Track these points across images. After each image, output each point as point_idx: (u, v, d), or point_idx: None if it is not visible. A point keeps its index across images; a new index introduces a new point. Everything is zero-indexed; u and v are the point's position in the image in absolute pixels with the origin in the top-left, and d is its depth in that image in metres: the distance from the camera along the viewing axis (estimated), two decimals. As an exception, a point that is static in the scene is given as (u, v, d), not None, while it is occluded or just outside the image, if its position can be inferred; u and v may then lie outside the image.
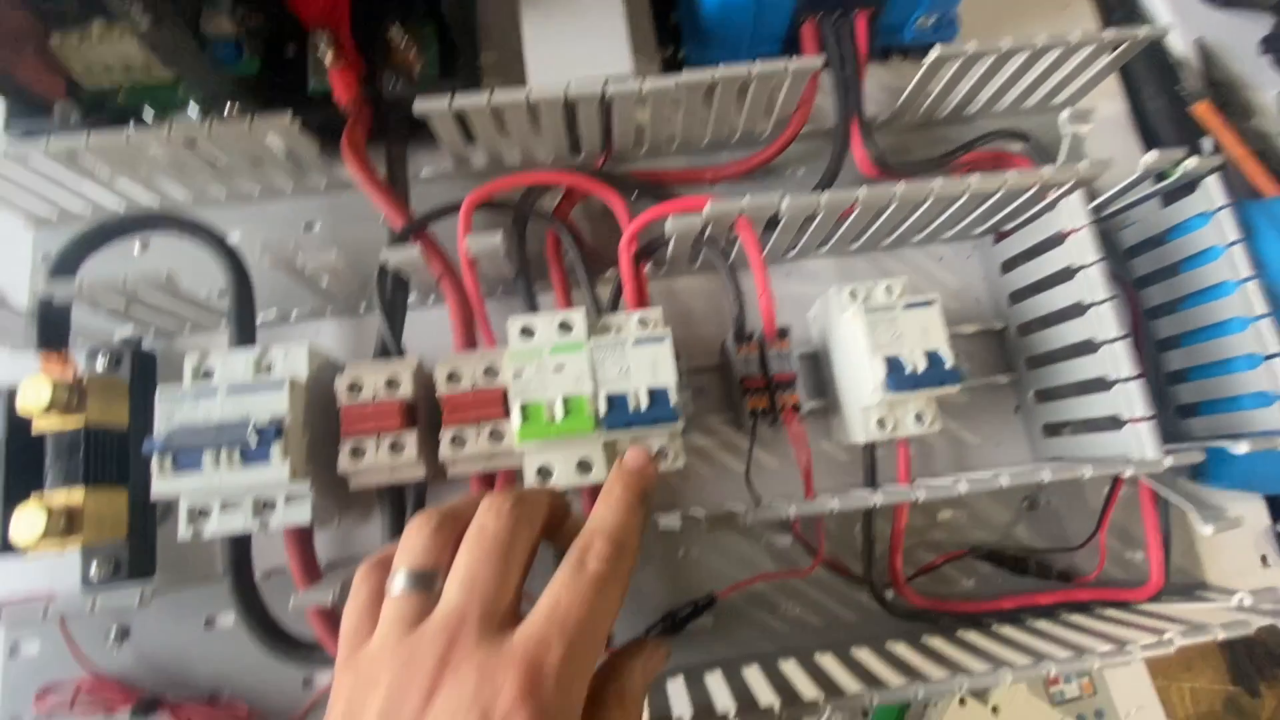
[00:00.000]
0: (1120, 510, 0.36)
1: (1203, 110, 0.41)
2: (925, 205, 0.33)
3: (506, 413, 0.29)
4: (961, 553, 0.35)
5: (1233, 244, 0.32)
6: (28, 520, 0.28)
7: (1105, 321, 0.30)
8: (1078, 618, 0.33)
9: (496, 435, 0.29)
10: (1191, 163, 0.32)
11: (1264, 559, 0.37)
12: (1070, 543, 0.35)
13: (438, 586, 0.20)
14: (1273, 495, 0.37)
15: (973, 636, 0.32)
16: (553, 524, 0.24)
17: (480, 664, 0.18)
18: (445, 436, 0.29)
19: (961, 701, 0.34)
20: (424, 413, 0.31)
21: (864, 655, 0.31)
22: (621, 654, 0.23)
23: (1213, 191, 0.32)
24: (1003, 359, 0.37)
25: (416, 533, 0.21)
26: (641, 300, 0.34)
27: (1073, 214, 0.32)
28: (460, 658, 0.18)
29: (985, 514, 0.36)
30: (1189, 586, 0.35)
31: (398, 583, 0.20)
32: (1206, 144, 0.42)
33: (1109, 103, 0.43)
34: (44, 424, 0.30)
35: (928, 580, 0.35)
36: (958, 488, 0.28)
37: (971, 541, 0.36)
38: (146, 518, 0.33)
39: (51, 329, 0.31)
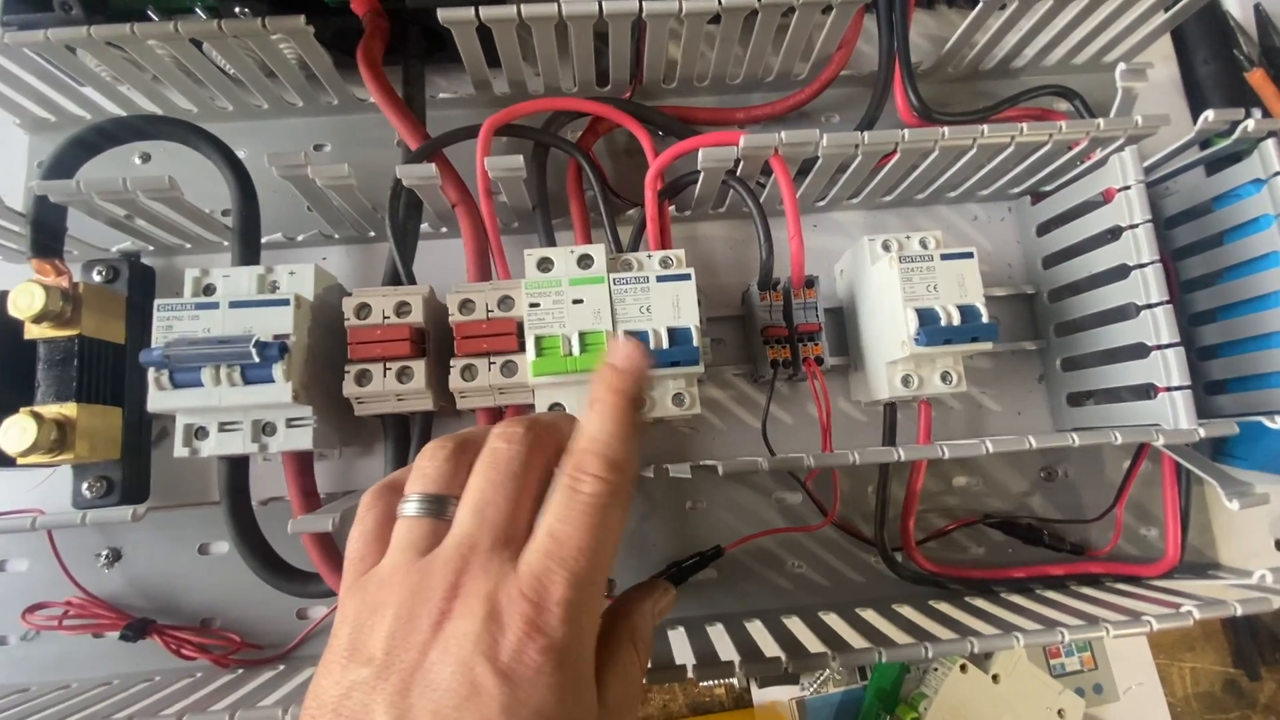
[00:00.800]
0: (1136, 486, 0.35)
1: (1258, 79, 0.39)
2: (968, 155, 0.31)
3: (521, 345, 0.28)
4: (974, 519, 0.34)
5: (1285, 213, 0.30)
6: (17, 429, 0.27)
7: (1150, 284, 0.29)
8: (1088, 590, 0.32)
9: (509, 368, 0.28)
10: (1250, 124, 0.30)
11: (1278, 543, 0.36)
12: (1085, 515, 0.35)
13: (450, 511, 0.20)
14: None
15: (981, 603, 0.31)
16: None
17: (488, 595, 0.17)
18: (456, 366, 0.28)
19: (963, 669, 0.33)
20: (434, 343, 0.30)
21: (870, 615, 0.31)
22: (631, 594, 0.23)
23: (1270, 156, 0.31)
24: (1031, 326, 0.36)
25: (430, 457, 0.21)
26: (665, 240, 0.33)
27: (1125, 170, 0.31)
28: (469, 588, 0.18)
29: (1001, 482, 0.35)
30: (1202, 566, 0.35)
31: (410, 506, 0.20)
32: (1257, 114, 0.40)
33: (1161, 65, 0.41)
34: (36, 331, 0.29)
35: (937, 546, 0.35)
36: (983, 446, 0.27)
37: (986, 509, 0.35)
38: (141, 439, 0.32)
39: (46, 234, 0.29)
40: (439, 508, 0.20)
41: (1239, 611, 0.27)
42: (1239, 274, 0.33)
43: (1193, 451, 0.32)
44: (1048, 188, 0.36)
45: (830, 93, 0.37)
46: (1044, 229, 0.36)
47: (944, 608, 0.31)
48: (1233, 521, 0.36)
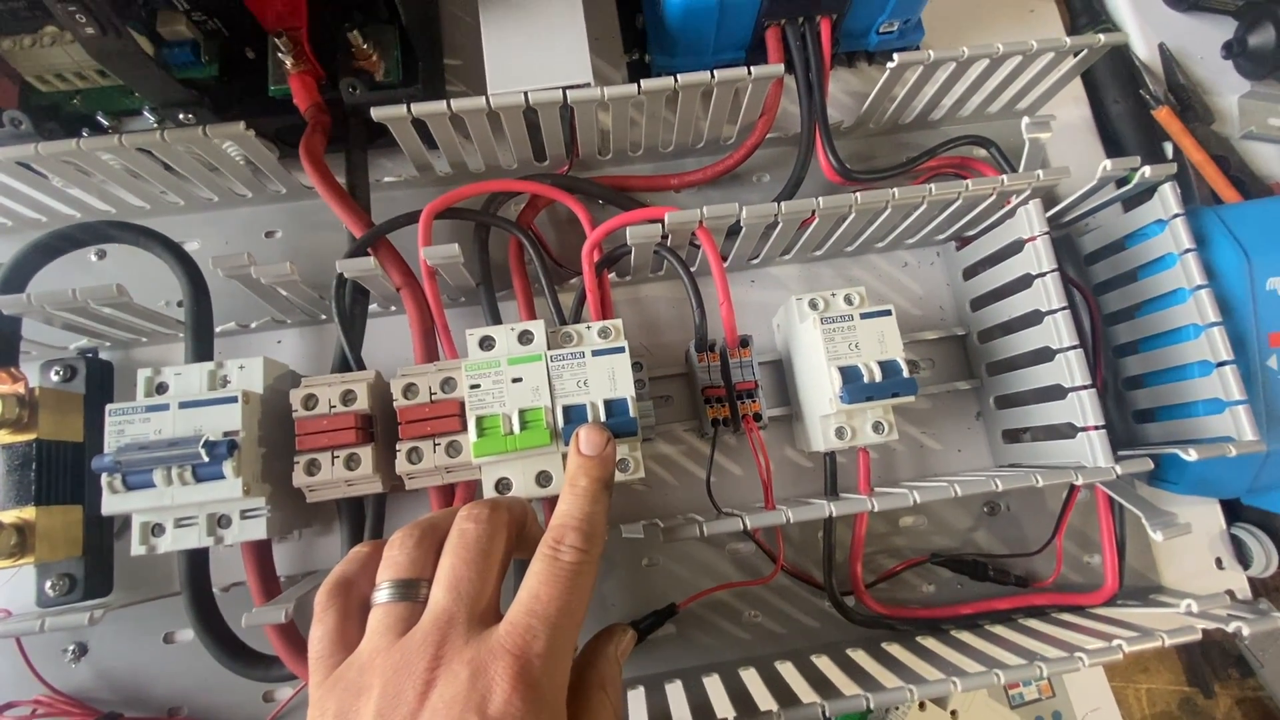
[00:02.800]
0: (1079, 515, 0.36)
1: (1164, 116, 0.41)
2: (885, 214, 0.33)
3: (464, 425, 0.29)
4: (922, 559, 0.35)
5: (1186, 251, 0.32)
6: (-24, 539, 0.28)
7: (1060, 330, 0.31)
8: (1033, 622, 0.33)
9: (454, 448, 0.29)
10: (1147, 170, 0.32)
11: (1219, 561, 0.37)
12: (1030, 548, 0.36)
13: (423, 594, 0.21)
14: (1227, 499, 0.38)
15: (930, 643, 0.32)
16: (527, 532, 0.24)
17: (471, 659, 0.19)
18: (401, 450, 0.29)
19: (921, 706, 0.34)
20: (382, 425, 0.31)
21: (823, 663, 0.31)
22: (594, 644, 0.25)
23: (1169, 199, 0.33)
24: (965, 365, 0.38)
25: (399, 546, 0.22)
26: (604, 309, 0.34)
27: (1031, 221, 0.32)
28: (451, 655, 0.19)
29: (946, 520, 0.36)
30: (1144, 590, 0.36)
31: (383, 594, 0.21)
32: (1169, 149, 0.42)
33: (1073, 107, 0.43)
34: (-7, 439, 0.29)
35: (889, 586, 0.35)
36: (911, 497, 0.28)
37: (933, 547, 0.36)
38: (102, 534, 0.33)
39: (1, 343, 0.30)
40: (411, 591, 0.21)
41: (1166, 643, 0.28)
42: (1152, 308, 0.34)
43: (1121, 483, 0.33)
44: (970, 233, 0.37)
45: (761, 153, 0.39)
46: (970, 273, 0.38)
47: (894, 650, 0.32)
48: (1173, 544, 0.37)
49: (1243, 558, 0.37)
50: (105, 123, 0.36)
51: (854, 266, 0.39)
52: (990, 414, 0.37)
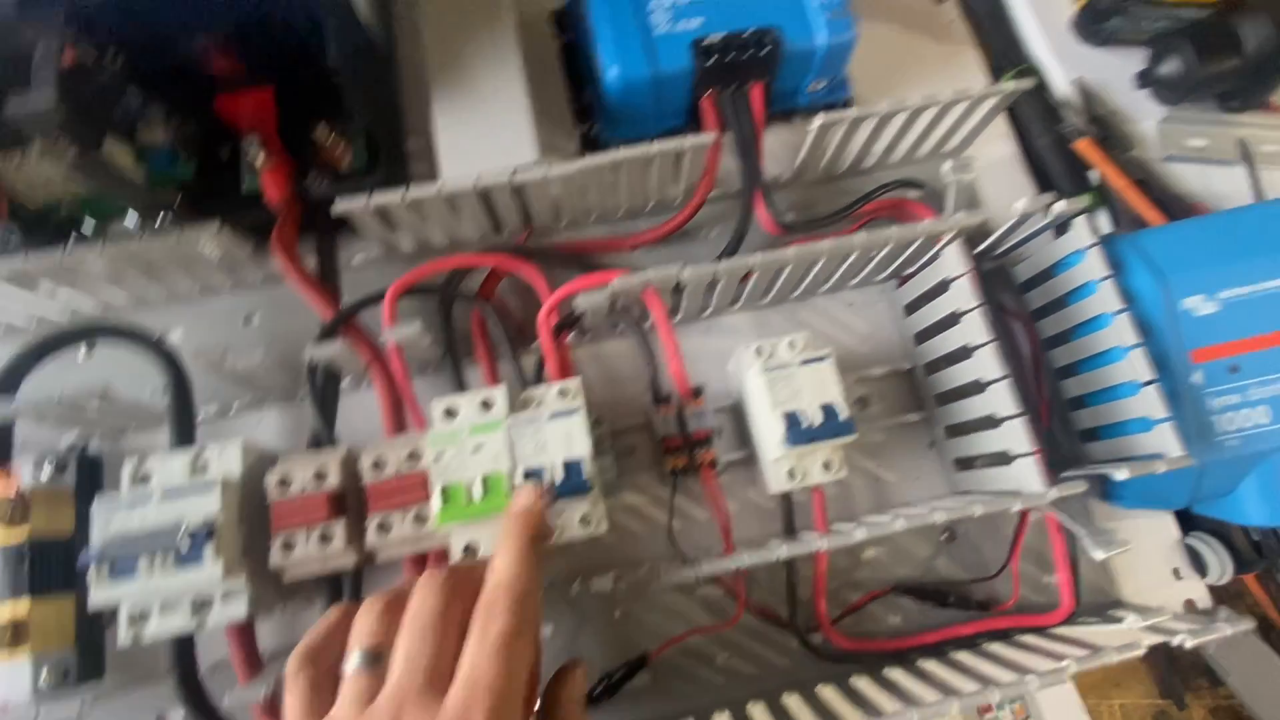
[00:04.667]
0: (1036, 536, 0.38)
1: (1084, 146, 0.43)
2: (820, 263, 0.35)
3: (429, 495, 0.30)
4: (885, 591, 0.36)
5: (1104, 278, 0.34)
6: (-28, 635, 0.29)
7: (988, 363, 0.33)
8: (996, 646, 0.34)
9: (421, 518, 0.31)
10: (1060, 205, 0.34)
11: (1176, 572, 0.38)
12: (989, 572, 0.37)
13: (385, 663, 0.22)
14: (1179, 510, 0.39)
15: (896, 674, 0.33)
16: None
17: None
18: (371, 524, 0.30)
19: (899, 735, 0.35)
20: (355, 500, 0.32)
21: (793, 702, 0.32)
22: (549, 692, 0.25)
23: (1083, 230, 0.35)
24: (914, 398, 0.39)
25: (365, 615, 0.24)
26: (564, 369, 0.36)
27: (954, 263, 0.34)
28: None
29: (907, 549, 0.38)
30: (1104, 605, 0.37)
31: (352, 663, 0.23)
32: (1094, 176, 0.45)
33: (1000, 144, 0.45)
34: (-12, 538, 0.31)
35: (856, 619, 0.37)
36: (855, 535, 0.30)
37: (896, 578, 0.37)
38: (94, 622, 0.34)
39: (-7, 446, 0.32)
40: (376, 661, 0.22)
41: (1114, 660, 0.29)
42: (1083, 332, 0.36)
43: (1066, 502, 0.34)
44: (909, 270, 0.40)
45: (709, 209, 0.41)
46: (910, 309, 0.39)
47: (861, 684, 0.33)
48: (1129, 557, 0.38)
49: (1200, 567, 0.38)
50: (91, 227, 0.39)
51: (802, 310, 0.41)
52: (941, 443, 0.39)
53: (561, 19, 0.45)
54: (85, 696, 0.29)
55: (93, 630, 0.33)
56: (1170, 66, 0.44)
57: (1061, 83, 0.47)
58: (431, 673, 0.21)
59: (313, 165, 0.39)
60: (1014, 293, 0.41)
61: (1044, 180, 0.45)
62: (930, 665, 0.33)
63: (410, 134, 0.43)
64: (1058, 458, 0.39)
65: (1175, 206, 0.43)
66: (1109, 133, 0.45)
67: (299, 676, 0.23)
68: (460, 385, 0.37)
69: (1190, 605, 0.38)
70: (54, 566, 0.32)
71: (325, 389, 0.35)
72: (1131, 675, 0.38)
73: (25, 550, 0.31)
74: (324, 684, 0.23)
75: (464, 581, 0.24)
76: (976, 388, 0.33)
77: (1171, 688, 0.38)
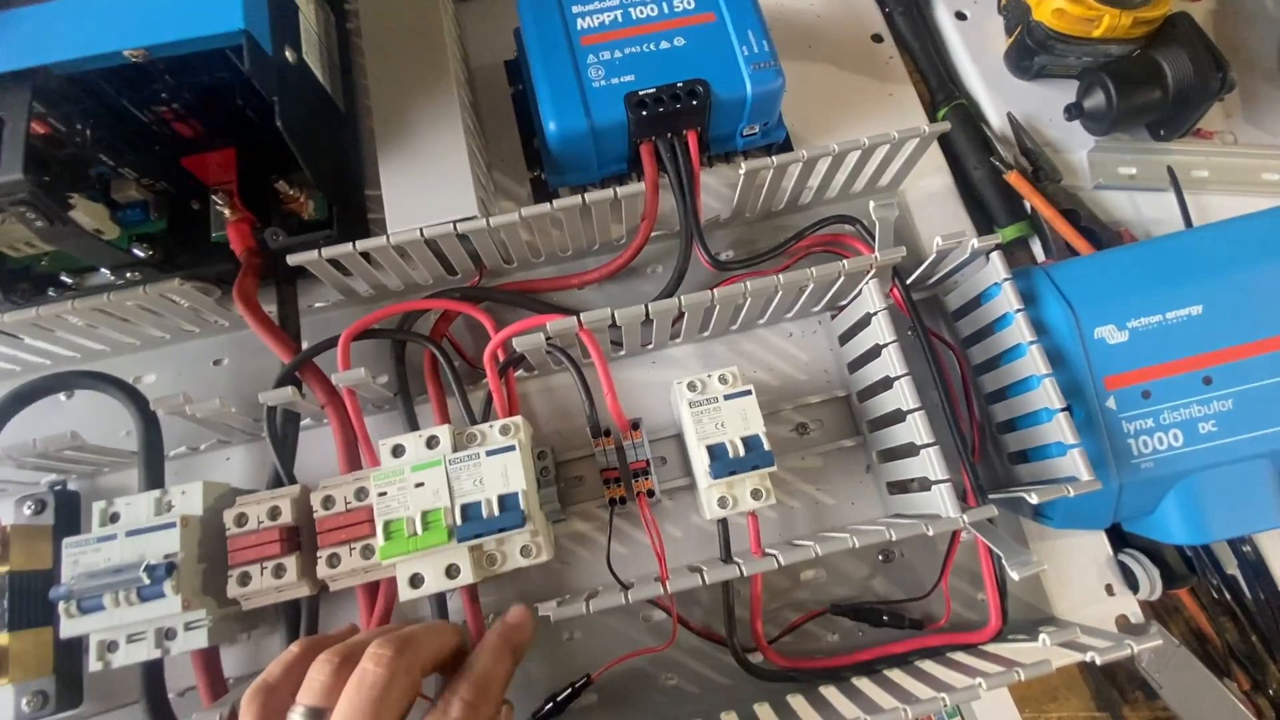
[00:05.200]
0: (970, 556, 0.39)
1: (1014, 179, 0.45)
2: (748, 302, 0.37)
3: (375, 530, 0.32)
4: (822, 610, 0.38)
5: (1017, 311, 0.36)
6: (-48, 669, 0.31)
7: (905, 393, 0.34)
8: (926, 664, 0.35)
9: (368, 551, 0.33)
10: (974, 242, 0.36)
11: (1109, 588, 0.40)
12: (924, 591, 0.38)
13: None
14: (1106, 529, 0.40)
15: (830, 692, 0.34)
16: (447, 660, 0.27)
17: None
18: (321, 556, 0.32)
19: (837, 752, 0.36)
20: (308, 534, 0.34)
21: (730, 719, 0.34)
22: None
23: (996, 265, 0.36)
24: (851, 423, 0.41)
25: (317, 669, 0.24)
26: (511, 405, 0.38)
27: (873, 298, 0.36)
28: None
29: (844, 570, 0.39)
30: (1036, 622, 0.38)
31: (295, 716, 0.24)
32: (1029, 206, 0.46)
33: (935, 176, 0.47)
34: (-31, 577, 0.33)
35: (795, 639, 0.38)
36: (776, 561, 0.31)
37: (834, 597, 0.39)
38: (71, 652, 0.36)
39: (-26, 490, 0.35)
40: (320, 718, 0.23)
41: (1022, 677, 0.30)
42: (1006, 360, 0.38)
43: (987, 525, 0.36)
44: (842, 301, 0.41)
45: (651, 248, 0.44)
46: (843, 339, 0.41)
47: (796, 702, 0.35)
48: (1062, 575, 0.39)
49: (1133, 583, 0.39)
50: (69, 279, 0.41)
51: (744, 341, 0.43)
52: (876, 468, 0.40)
53: (512, 70, 0.47)
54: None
55: (71, 660, 0.36)
56: (1095, 100, 0.46)
57: (995, 115, 0.49)
58: None
59: (277, 215, 0.42)
60: (946, 320, 0.43)
61: (981, 211, 0.47)
62: (862, 683, 0.35)
63: (371, 182, 0.46)
64: (990, 479, 0.41)
65: (1103, 234, 0.45)
66: (1039, 164, 0.47)
67: (249, 711, 0.25)
68: (413, 423, 0.39)
69: (1123, 621, 0.39)
70: (33, 600, 0.35)
71: (284, 429, 0.37)
72: (1069, 688, 0.39)
73: (4, 586, 0.33)
74: (275, 718, 0.24)
75: (415, 654, 0.25)
76: (899, 416, 0.35)
77: (1108, 701, 0.39)
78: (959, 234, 0.36)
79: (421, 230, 0.36)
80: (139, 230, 0.42)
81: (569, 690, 0.36)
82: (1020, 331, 0.36)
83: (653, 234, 0.42)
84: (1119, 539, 0.41)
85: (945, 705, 0.30)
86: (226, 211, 0.41)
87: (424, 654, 0.25)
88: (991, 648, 0.36)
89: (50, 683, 0.35)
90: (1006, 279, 0.36)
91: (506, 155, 0.47)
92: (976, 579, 0.39)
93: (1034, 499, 0.33)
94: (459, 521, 0.32)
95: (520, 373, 0.41)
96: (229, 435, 0.39)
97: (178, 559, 0.31)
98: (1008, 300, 0.36)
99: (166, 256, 0.41)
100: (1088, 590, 0.39)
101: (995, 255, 0.37)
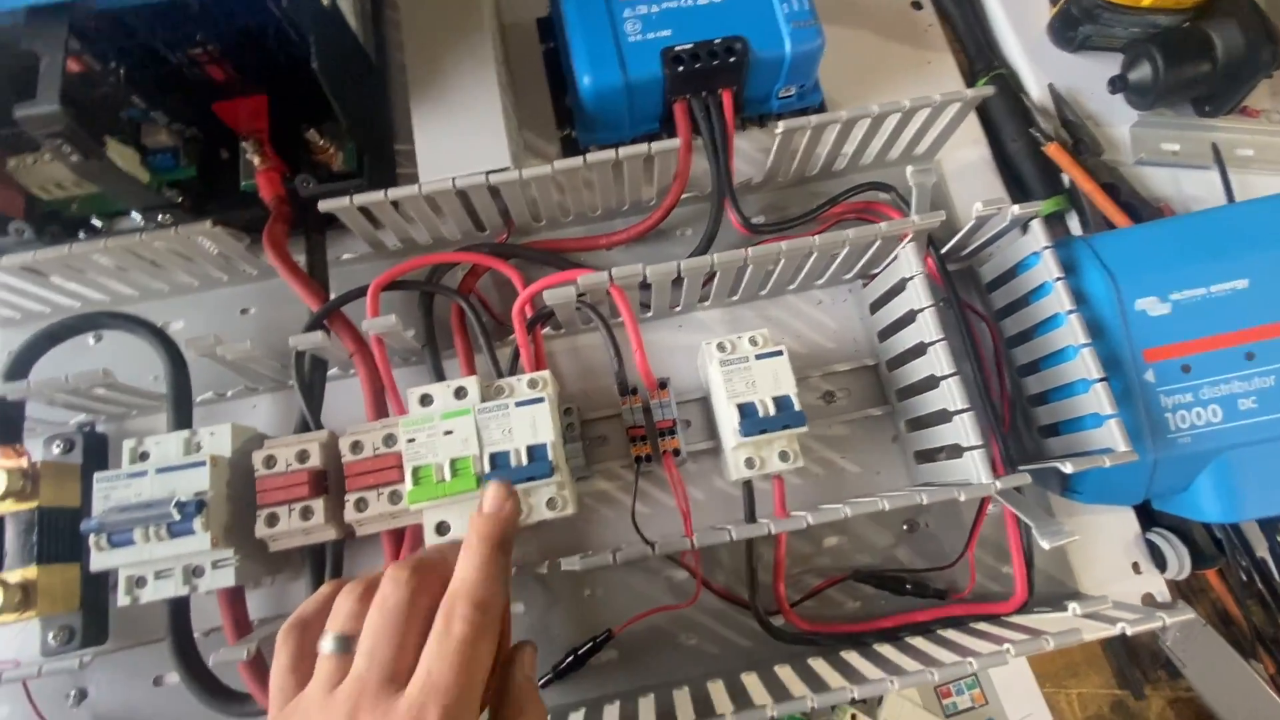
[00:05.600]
0: (995, 528, 0.39)
1: (1053, 151, 0.44)
2: (781, 263, 0.36)
3: (403, 476, 0.32)
4: (844, 576, 0.38)
5: (1057, 279, 0.35)
6: (-15, 597, 0.32)
7: (941, 359, 0.34)
8: (949, 632, 0.35)
9: (396, 497, 0.32)
10: (1015, 209, 0.35)
11: (1135, 566, 0.39)
12: (948, 561, 0.38)
13: (353, 649, 0.23)
14: (1137, 505, 0.40)
15: (852, 657, 0.34)
16: None
17: None
18: (349, 500, 0.32)
19: (852, 718, 0.36)
20: (335, 480, 0.34)
21: (750, 680, 0.34)
22: (502, 674, 0.26)
23: (1037, 233, 0.36)
24: (878, 392, 0.41)
25: (344, 598, 0.25)
26: (538, 361, 0.38)
27: (910, 263, 0.36)
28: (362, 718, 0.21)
29: (867, 538, 0.39)
30: (1062, 596, 0.38)
31: (325, 645, 0.24)
32: (1066, 179, 0.45)
33: (972, 148, 0.46)
34: (1, 508, 0.34)
35: (815, 604, 0.38)
36: (806, 520, 0.31)
37: (856, 565, 0.38)
38: (98, 589, 0.36)
39: (6, 425, 0.35)
40: (346, 645, 0.23)
41: (1051, 645, 0.30)
42: (1041, 331, 0.37)
43: (1017, 496, 0.35)
44: (874, 269, 0.41)
45: (682, 210, 0.43)
46: (874, 307, 0.41)
47: (818, 665, 0.34)
48: (1089, 550, 0.39)
49: (1160, 562, 0.39)
50: (99, 223, 0.41)
51: (772, 307, 0.43)
52: (903, 437, 0.40)
53: (544, 26, 0.47)
54: (89, 656, 0.31)
55: (96, 596, 0.36)
56: (1141, 72, 0.45)
57: (1036, 87, 0.48)
58: (390, 668, 0.22)
59: (306, 166, 0.42)
60: (980, 292, 0.42)
61: (1017, 183, 0.46)
62: (884, 648, 0.35)
63: (400, 137, 0.45)
64: (1020, 452, 0.41)
65: (1143, 210, 0.44)
66: (1079, 137, 0.46)
67: (285, 645, 0.25)
68: (439, 375, 0.39)
69: (1149, 599, 0.39)
70: (61, 536, 0.35)
71: (312, 376, 0.37)
72: (1090, 665, 0.39)
73: (34, 520, 0.34)
74: (309, 654, 0.24)
75: (430, 572, 0.25)
76: (931, 383, 0.35)
77: (1130, 678, 0.38)
78: (999, 200, 0.35)
79: (454, 181, 0.36)
80: (169, 177, 0.41)
81: (590, 644, 0.36)
82: (1059, 300, 0.35)
83: (683, 196, 0.41)
84: (1147, 518, 0.40)
85: (973, 668, 0.29)
86: (256, 159, 0.40)
87: (439, 572, 0.25)
88: (1017, 619, 0.35)
89: (76, 618, 0.35)
90: (1047, 246, 0.35)
91: (536, 114, 0.47)
92: (1001, 552, 0.39)
93: (1069, 468, 0.32)
94: (487, 469, 0.32)
95: (547, 330, 0.41)
96: (256, 382, 0.39)
97: (207, 497, 0.32)
98: (1047, 269, 0.36)
99: (195, 204, 0.41)
100: (1114, 567, 0.39)
101: (1036, 223, 0.36)
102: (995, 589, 0.38)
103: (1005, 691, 0.39)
